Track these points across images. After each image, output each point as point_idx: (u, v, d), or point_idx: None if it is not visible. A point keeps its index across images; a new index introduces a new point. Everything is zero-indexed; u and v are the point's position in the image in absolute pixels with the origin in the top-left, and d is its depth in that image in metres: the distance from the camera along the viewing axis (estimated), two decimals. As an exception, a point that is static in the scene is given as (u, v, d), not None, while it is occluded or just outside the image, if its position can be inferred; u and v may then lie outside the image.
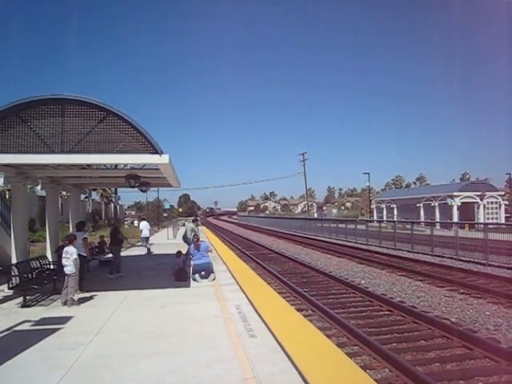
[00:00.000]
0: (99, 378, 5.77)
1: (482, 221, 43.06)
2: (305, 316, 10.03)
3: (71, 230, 18.06)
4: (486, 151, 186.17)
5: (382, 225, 33.50)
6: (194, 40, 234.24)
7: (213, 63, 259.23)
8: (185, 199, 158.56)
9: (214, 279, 13.33)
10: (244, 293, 11.23)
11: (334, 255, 25.30)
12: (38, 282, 11.10)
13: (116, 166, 13.30)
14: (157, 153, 9.66)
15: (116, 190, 57.39)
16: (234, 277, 13.91)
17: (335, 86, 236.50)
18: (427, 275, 16.60)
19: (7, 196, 24.07)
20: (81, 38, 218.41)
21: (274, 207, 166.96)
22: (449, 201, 48.05)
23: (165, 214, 79.94)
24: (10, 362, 6.36)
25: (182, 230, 44.28)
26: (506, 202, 52.63)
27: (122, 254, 21.10)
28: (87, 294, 11.36)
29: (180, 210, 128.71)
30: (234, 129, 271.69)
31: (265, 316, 8.63)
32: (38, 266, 12.50)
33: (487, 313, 11.23)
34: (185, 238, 17.43)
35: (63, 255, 10.83)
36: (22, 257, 12.22)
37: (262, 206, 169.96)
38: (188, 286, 12.65)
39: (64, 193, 32.71)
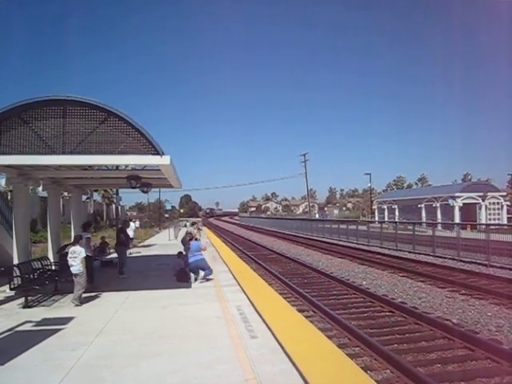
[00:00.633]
0: (100, 378, 5.77)
1: (483, 221, 43.05)
2: (306, 317, 10.02)
3: (73, 230, 18.10)
4: (487, 152, 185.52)
5: (384, 225, 33.48)
6: (194, 40, 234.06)
7: (213, 63, 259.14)
8: (186, 200, 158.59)
9: (206, 276, 13.37)
10: (245, 294, 11.23)
11: (336, 256, 25.29)
12: (40, 283, 11.12)
13: (117, 166, 13.33)
14: (158, 154, 9.67)
15: (117, 190, 57.54)
16: (235, 277, 13.91)
17: (336, 86, 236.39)
18: (429, 276, 16.59)
19: (9, 197, 24.09)
20: (81, 39, 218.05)
21: (276, 208, 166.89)
22: (450, 201, 47.99)
23: (166, 215, 79.98)
24: (11, 362, 6.38)
25: (183, 231, 44.40)
26: (508, 203, 52.53)
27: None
28: (92, 294, 11.38)
29: (181, 210, 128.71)
30: (234, 129, 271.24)
31: (266, 317, 8.62)
32: (40, 266, 12.54)
33: (489, 314, 11.21)
34: (183, 242, 17.34)
35: (69, 255, 10.91)
36: (23, 257, 12.24)
37: (263, 206, 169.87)
38: (189, 286, 12.65)
39: (65, 194, 32.71)
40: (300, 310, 11.07)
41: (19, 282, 10.87)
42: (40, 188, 16.22)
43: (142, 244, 30.08)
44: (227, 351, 6.71)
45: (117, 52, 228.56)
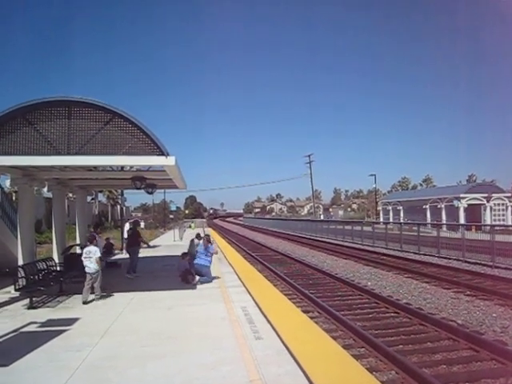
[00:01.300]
0: (105, 379, 5.78)
1: (488, 222, 42.89)
2: (311, 318, 10.01)
3: (78, 231, 18.16)
4: (492, 152, 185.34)
5: (389, 226, 33.40)
6: (198, 41, 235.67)
7: (218, 64, 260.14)
8: (191, 201, 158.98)
9: (203, 281, 13.24)
10: (250, 294, 11.22)
11: (341, 257, 25.25)
12: (45, 284, 11.15)
13: (122, 167, 13.35)
14: (163, 154, 9.68)
15: (122, 191, 57.63)
16: (240, 278, 13.90)
17: (341, 87, 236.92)
18: (434, 277, 16.54)
19: (14, 198, 24.19)
20: (83, 41, 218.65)
21: (281, 209, 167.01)
22: (455, 202, 47.87)
23: (171, 216, 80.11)
24: (16, 363, 6.39)
25: (188, 232, 44.38)
26: (513, 204, 52.31)
27: (125, 255, 21.22)
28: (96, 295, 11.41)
29: (186, 211, 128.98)
30: (239, 130, 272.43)
31: (271, 318, 8.62)
32: (45, 267, 12.54)
33: (494, 315, 11.16)
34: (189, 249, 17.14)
35: (84, 255, 11.17)
36: (28, 258, 12.28)
37: (268, 207, 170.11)
38: (194, 287, 12.65)
39: (70, 194, 32.82)
40: (305, 311, 11.06)
41: (24, 283, 10.89)
42: (45, 189, 16.27)
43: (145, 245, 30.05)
44: (232, 352, 6.70)
45: (119, 53, 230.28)
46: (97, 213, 56.44)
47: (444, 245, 23.49)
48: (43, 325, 8.71)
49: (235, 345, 7.06)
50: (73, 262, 13.47)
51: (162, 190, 50.09)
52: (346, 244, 32.76)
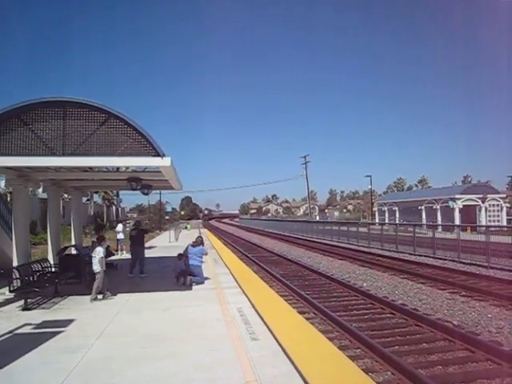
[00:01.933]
0: (101, 381, 5.75)
1: (483, 223, 43.04)
2: (307, 319, 10.01)
3: (73, 232, 18.09)
4: (487, 153, 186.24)
5: (384, 227, 33.48)
6: (194, 42, 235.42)
7: (215, 65, 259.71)
8: (187, 202, 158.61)
9: (195, 282, 13.20)
10: (246, 295, 11.20)
11: (336, 258, 25.27)
12: (40, 285, 11.09)
13: (118, 168, 13.31)
14: (158, 155, 9.66)
15: (118, 192, 57.57)
16: (235, 279, 13.88)
17: (337, 87, 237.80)
18: (429, 278, 16.57)
19: (9, 199, 24.08)
20: (81, 41, 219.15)
21: (276, 210, 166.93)
22: (450, 203, 48.01)
23: (167, 217, 80.00)
24: (10, 365, 6.34)
25: (183, 233, 44.36)
26: (508, 205, 52.57)
27: (120, 257, 21.20)
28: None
29: (182, 212, 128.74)
30: (235, 131, 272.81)
31: (267, 319, 8.60)
32: (40, 268, 12.48)
33: (489, 315, 11.19)
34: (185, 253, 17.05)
35: (93, 254, 11.43)
36: (23, 259, 12.21)
37: (264, 208, 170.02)
38: (190, 288, 12.62)
39: (65, 195, 32.71)
40: (301, 312, 11.05)
41: (19, 285, 10.83)
42: (40, 190, 16.21)
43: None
44: (228, 353, 6.68)
45: (117, 54, 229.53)
46: (92, 214, 56.28)
47: (439, 246, 23.53)
48: (38, 326, 8.66)
49: (231, 346, 7.05)
50: (68, 263, 13.43)
51: (158, 191, 50.09)
52: (341, 245, 32.79)
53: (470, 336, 8.99)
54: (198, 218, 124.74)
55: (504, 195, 53.65)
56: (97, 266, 11.19)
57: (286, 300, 11.89)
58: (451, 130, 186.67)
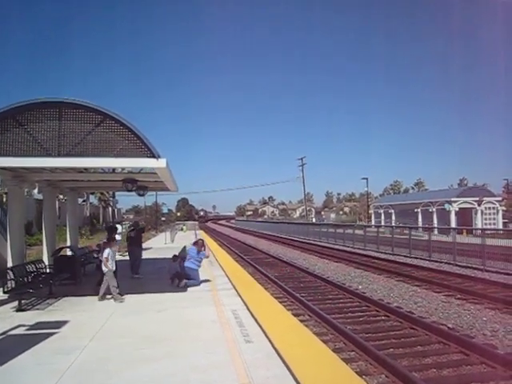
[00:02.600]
0: (94, 382, 5.73)
1: (479, 226, 43.13)
2: (301, 321, 10.01)
3: (68, 233, 18.03)
4: (484, 156, 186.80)
5: (380, 230, 33.49)
6: (194, 42, 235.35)
7: (212, 66, 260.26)
8: (183, 203, 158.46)
9: (190, 285, 13.08)
10: (241, 297, 11.18)
11: (332, 260, 25.30)
12: (34, 286, 11.04)
13: (114, 169, 13.28)
14: (154, 157, 9.64)
15: (114, 193, 57.42)
16: (231, 281, 13.86)
17: (334, 90, 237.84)
18: (425, 280, 16.60)
19: (5, 199, 24.01)
20: (81, 41, 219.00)
21: (273, 212, 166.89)
22: (446, 206, 48.13)
23: (163, 218, 79.86)
24: (3, 366, 6.31)
25: (179, 234, 44.29)
26: (504, 208, 52.62)
27: (116, 258, 21.02)
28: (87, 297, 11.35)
29: (178, 214, 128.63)
30: (232, 133, 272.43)
31: (261, 321, 8.59)
32: (34, 269, 12.44)
33: (484, 318, 11.22)
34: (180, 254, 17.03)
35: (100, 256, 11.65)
36: (17, 260, 12.16)
37: (260, 210, 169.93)
38: (185, 290, 12.59)
39: (61, 196, 32.63)
40: (295, 314, 11.06)
41: (13, 286, 10.80)
42: (35, 190, 16.17)
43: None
44: (222, 355, 6.67)
45: (117, 54, 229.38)
46: (88, 215, 56.16)
47: (435, 248, 23.61)
48: (32, 327, 8.62)
49: (225, 348, 7.03)
50: (63, 265, 13.39)
51: (154, 193, 50.04)
52: (337, 247, 32.85)
53: (464, 339, 9.01)
54: (195, 220, 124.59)
55: (500, 198, 53.85)
56: (103, 267, 11.27)
57: (280, 302, 11.90)
58: (448, 132, 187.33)
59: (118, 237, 23.49)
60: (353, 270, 20.98)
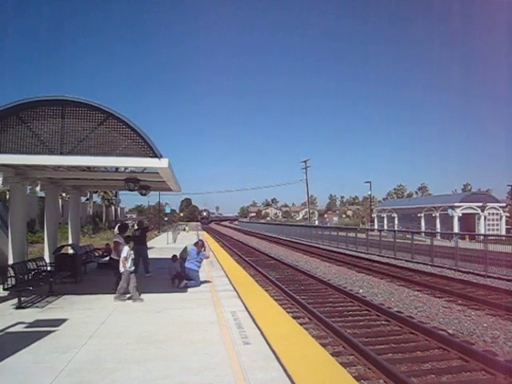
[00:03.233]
0: (90, 382, 5.71)
1: (482, 232, 43.00)
2: (301, 324, 9.98)
3: (70, 231, 18.04)
4: (488, 162, 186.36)
5: (383, 234, 33.43)
6: (196, 44, 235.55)
7: (216, 68, 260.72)
8: (186, 204, 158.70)
9: (189, 285, 13.08)
10: (241, 299, 11.16)
11: (334, 263, 25.25)
12: (34, 284, 11.04)
13: (116, 168, 13.29)
14: (156, 156, 9.62)
15: (117, 192, 57.48)
16: (231, 283, 13.84)
17: (338, 92, 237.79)
18: (426, 285, 16.54)
19: (7, 197, 24.06)
20: (82, 41, 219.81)
21: (276, 214, 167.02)
22: (450, 211, 48.05)
23: (166, 218, 79.95)
24: (1, 363, 6.30)
25: (182, 235, 44.31)
26: (507, 214, 52.54)
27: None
28: (85, 296, 11.33)
29: (181, 214, 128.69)
30: (236, 134, 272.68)
31: (260, 323, 8.57)
32: (35, 267, 12.43)
33: (485, 325, 11.16)
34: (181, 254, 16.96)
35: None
36: (18, 258, 12.16)
37: (263, 212, 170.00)
38: (185, 290, 12.58)
39: (64, 194, 32.69)
40: (295, 317, 11.04)
41: (13, 283, 10.80)
42: (37, 188, 16.17)
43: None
44: (219, 357, 6.63)
45: (117, 55, 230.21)
46: (91, 213, 56.22)
47: (437, 253, 23.53)
48: (31, 325, 8.63)
49: (223, 350, 7.00)
50: (64, 263, 13.40)
51: (157, 192, 50.08)
52: (339, 250, 32.75)
53: (464, 345, 8.96)
54: (197, 220, 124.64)
55: (504, 204, 53.80)
56: (121, 266, 11.23)
57: (280, 304, 11.87)
58: (453, 138, 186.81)
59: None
60: (354, 273, 20.93)
